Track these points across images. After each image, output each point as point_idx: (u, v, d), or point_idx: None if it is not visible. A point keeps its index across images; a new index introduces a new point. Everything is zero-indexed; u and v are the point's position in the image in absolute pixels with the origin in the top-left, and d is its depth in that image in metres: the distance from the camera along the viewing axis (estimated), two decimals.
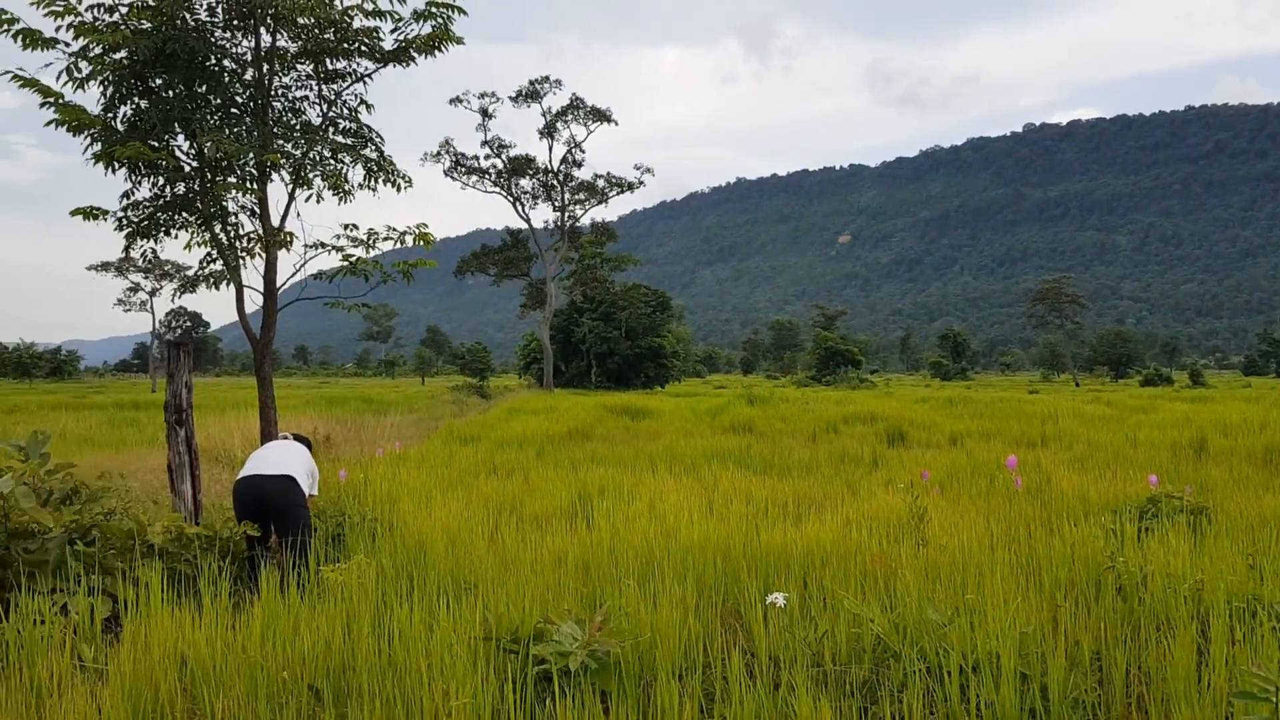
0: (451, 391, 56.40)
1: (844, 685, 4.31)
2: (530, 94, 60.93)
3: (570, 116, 61.81)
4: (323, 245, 8.54)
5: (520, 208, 64.46)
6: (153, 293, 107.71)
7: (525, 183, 63.51)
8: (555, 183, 63.70)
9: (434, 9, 8.03)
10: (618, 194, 63.79)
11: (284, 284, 8.68)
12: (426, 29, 8.15)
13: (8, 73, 7.55)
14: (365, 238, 8.54)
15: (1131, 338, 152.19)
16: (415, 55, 8.31)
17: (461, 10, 8.02)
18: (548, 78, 60.76)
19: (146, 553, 5.82)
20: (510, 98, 61.18)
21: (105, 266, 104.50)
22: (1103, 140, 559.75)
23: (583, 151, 63.87)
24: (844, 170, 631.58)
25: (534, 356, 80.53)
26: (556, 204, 64.40)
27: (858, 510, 8.97)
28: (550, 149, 63.61)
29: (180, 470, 7.21)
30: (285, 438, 7.15)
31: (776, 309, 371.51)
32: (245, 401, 38.25)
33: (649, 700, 3.91)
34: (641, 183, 62.65)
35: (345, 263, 8.45)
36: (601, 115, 61.84)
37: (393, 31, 8.22)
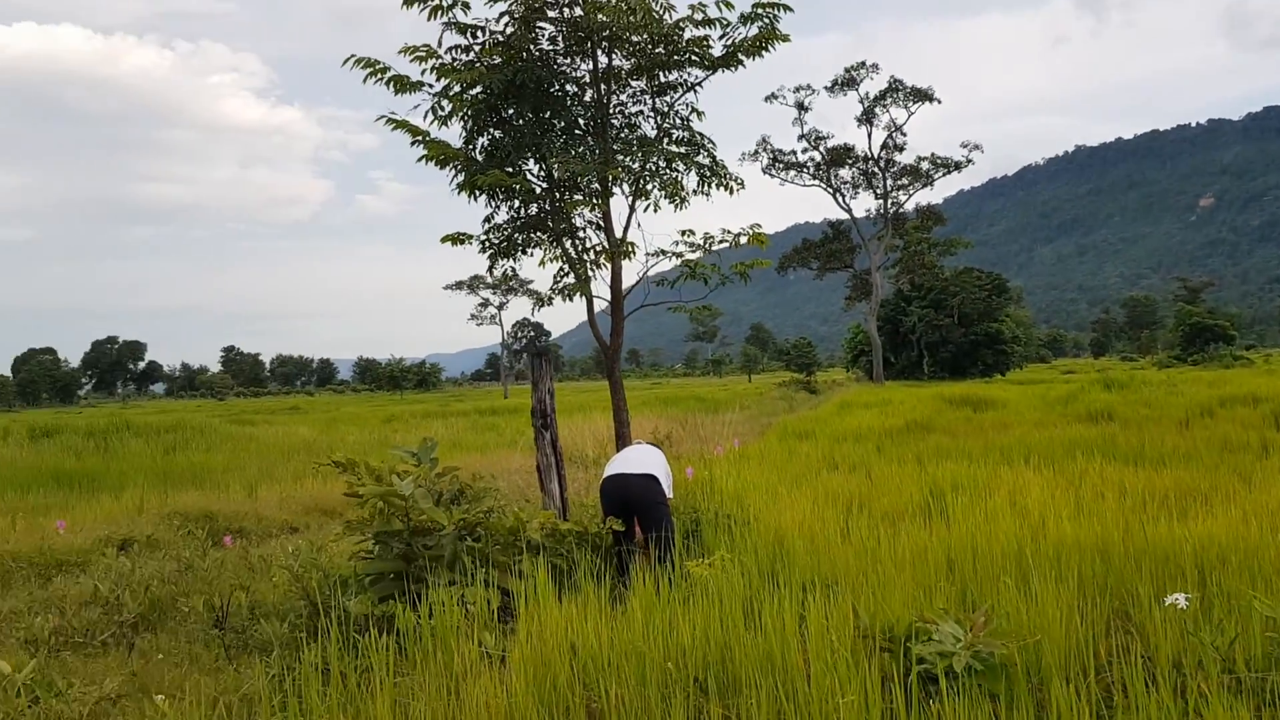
0: (779, 388, 56.76)
1: (1263, 693, 3.87)
2: (846, 82, 60.00)
3: (889, 100, 60.19)
4: (663, 252, 8.86)
5: (840, 198, 63.63)
6: (501, 307, 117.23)
7: (845, 172, 62.61)
8: (876, 170, 62.25)
9: (760, 9, 8.08)
10: (944, 175, 61.28)
11: (628, 291, 9.09)
12: (754, 30, 8.23)
13: (381, 117, 8.48)
14: (702, 242, 8.77)
15: None
16: (743, 58, 8.41)
17: (788, 7, 8.02)
18: (864, 63, 59.54)
19: (525, 548, 6.30)
20: (825, 88, 60.57)
21: (459, 285, 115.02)
22: None
23: (904, 135, 61.97)
24: (1201, 127, 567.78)
25: (861, 349, 79.15)
26: (878, 191, 62.95)
27: (1255, 503, 7.98)
28: (869, 135, 62.25)
29: (548, 470, 7.75)
30: (640, 444, 7.49)
31: (1129, 284, 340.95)
32: (587, 405, 40.66)
33: (1042, 704, 3.69)
34: (970, 161, 59.77)
35: (686, 268, 8.72)
36: (923, 95, 59.70)
37: (721, 38, 8.39)
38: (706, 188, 8.82)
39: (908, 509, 8.37)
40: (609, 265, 8.64)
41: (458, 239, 8.91)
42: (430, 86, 8.49)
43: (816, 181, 62.84)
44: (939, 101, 59.99)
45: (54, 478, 16.57)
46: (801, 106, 60.39)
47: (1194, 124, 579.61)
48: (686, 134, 8.84)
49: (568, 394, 71.00)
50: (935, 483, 9.78)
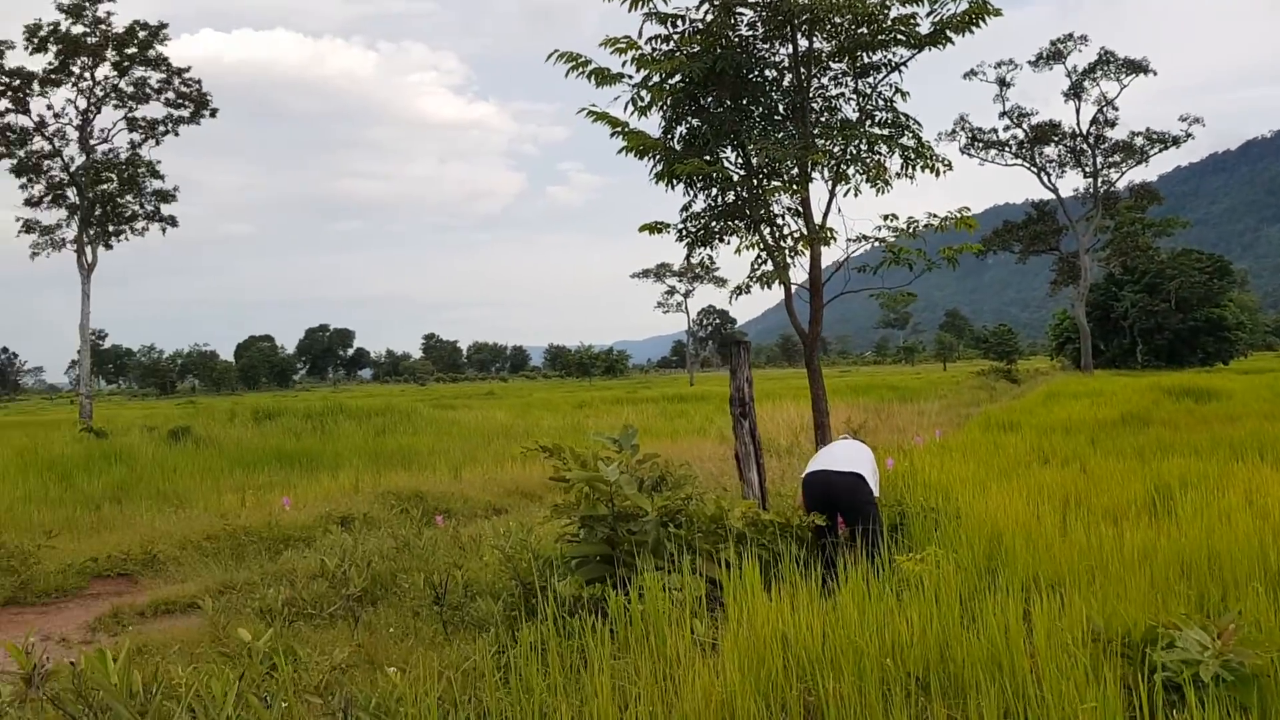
0: (977, 377, 54.57)
1: None
2: (1052, 55, 56.84)
3: (1099, 73, 56.64)
4: (865, 238, 8.64)
5: (1046, 178, 60.37)
6: (687, 294, 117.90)
7: (1050, 150, 59.31)
8: (1085, 146, 58.69)
9: None
10: (1160, 151, 57.17)
11: (828, 278, 8.93)
12: (963, 5, 7.87)
13: (583, 110, 8.63)
14: (905, 226, 8.49)
15: None
16: (951, 35, 8.05)
17: None
18: (1071, 35, 56.25)
19: (728, 536, 6.29)
20: (1029, 62, 57.58)
21: (646, 273, 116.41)
22: None
23: (1115, 109, 58.18)
24: None
25: (1067, 336, 75.05)
26: (1087, 170, 59.32)
27: None
28: (1078, 111, 58.73)
29: (747, 459, 7.72)
30: (846, 438, 7.32)
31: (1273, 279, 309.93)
32: (775, 392, 40.38)
33: None
34: (1189, 135, 55.47)
35: (889, 253, 8.47)
36: (1136, 67, 55.87)
37: (929, 15, 8.06)
38: (911, 170, 8.53)
39: (1130, 507, 7.86)
40: (807, 251, 8.49)
41: (655, 228, 8.97)
42: (630, 78, 8.58)
43: (1019, 160, 59.87)
44: (1154, 73, 56.03)
45: (276, 457, 17.82)
46: (1003, 82, 57.67)
47: None
48: (890, 115, 8.56)
49: (757, 382, 70.72)
50: (1160, 479, 9.15)
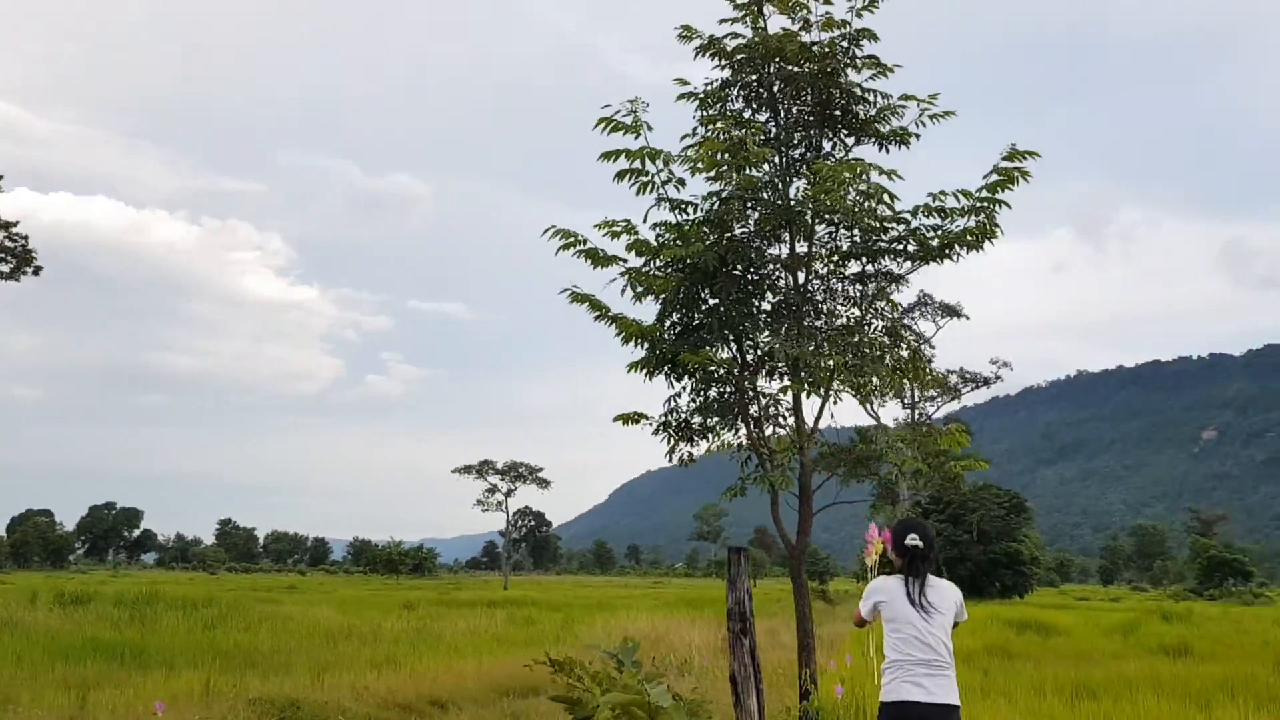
0: (790, 595, 54.61)
1: None
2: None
3: (918, 313, 61.24)
4: (855, 443, 8.35)
5: (870, 406, 63.60)
6: (508, 494, 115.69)
7: (875, 381, 62.78)
8: (906, 380, 62.48)
9: (982, 202, 7.81)
10: (972, 390, 61.55)
11: (820, 484, 8.54)
12: (971, 222, 7.96)
13: (565, 290, 8.18)
14: (912, 434, 8.26)
15: None
16: (955, 252, 8.11)
17: (1006, 204, 7.77)
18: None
19: None
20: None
21: (468, 469, 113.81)
22: None
23: (932, 347, 62.68)
24: (1203, 360, 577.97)
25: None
26: (906, 401, 62.99)
27: None
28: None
29: (746, 684, 6.94)
30: (939, 662, 5.75)
31: (1133, 512, 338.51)
32: (607, 602, 39.15)
33: None
34: (999, 377, 60.15)
35: (892, 466, 8.16)
36: (952, 311, 60.72)
37: (933, 230, 8.11)
38: (898, 381, 8.39)
39: None
40: (799, 457, 8.10)
41: (632, 418, 8.42)
42: (624, 262, 8.23)
43: (844, 387, 62.92)
44: (967, 318, 60.99)
45: (95, 648, 15.50)
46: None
47: (1195, 356, 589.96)
48: (889, 323, 8.47)
49: (574, 589, 68.89)
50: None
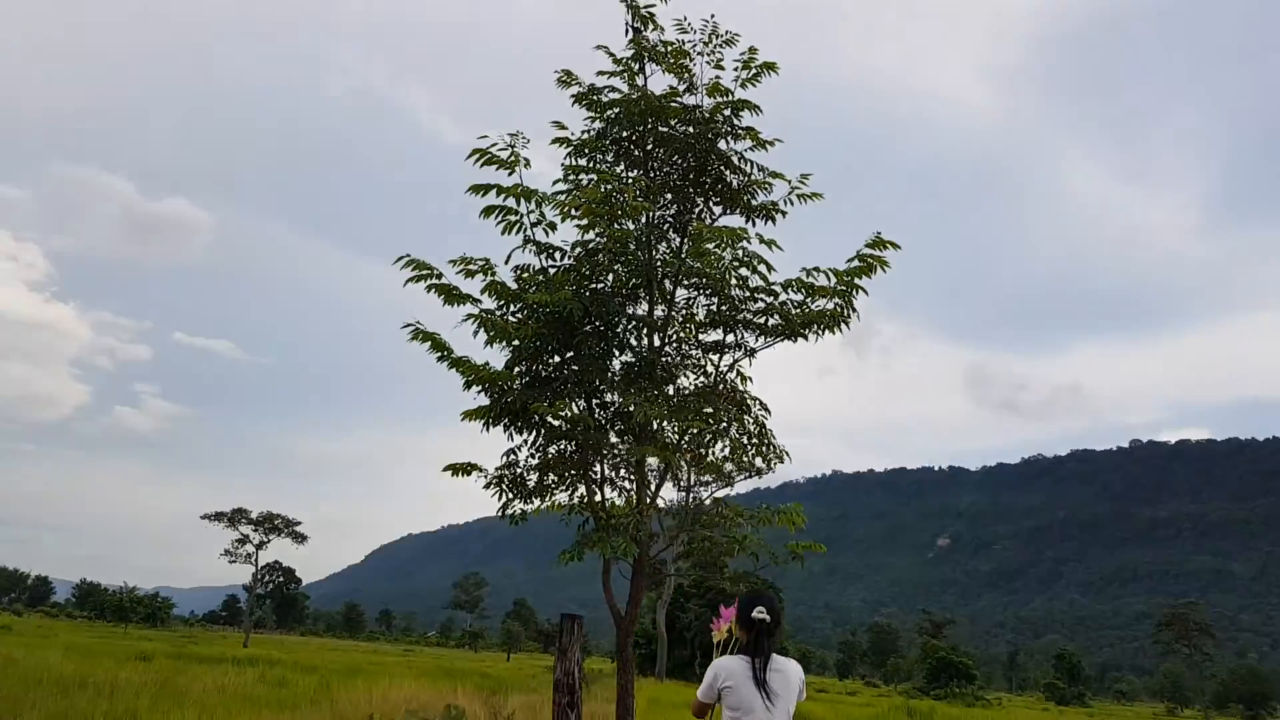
0: (549, 671, 54.03)
1: None
2: None
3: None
4: (697, 523, 8.13)
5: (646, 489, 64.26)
6: (260, 545, 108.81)
7: (652, 460, 63.64)
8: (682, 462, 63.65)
9: (842, 287, 7.86)
10: (745, 478, 63.30)
11: (658, 553, 8.25)
12: (831, 305, 8.00)
13: (408, 325, 7.64)
14: (755, 512, 8.11)
15: (1264, 675, 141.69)
16: (810, 333, 8.11)
17: (864, 290, 7.87)
18: None
19: None
20: None
21: (219, 516, 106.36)
22: (1213, 462, 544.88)
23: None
24: (943, 471, 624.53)
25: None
26: (680, 484, 64.07)
27: None
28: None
29: None
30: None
31: (871, 610, 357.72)
32: (365, 667, 37.13)
33: None
34: (771, 469, 62.18)
35: (735, 541, 7.97)
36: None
37: (797, 307, 8.11)
38: (741, 457, 8.28)
39: None
40: (640, 522, 7.77)
41: (463, 469, 7.88)
42: (478, 301, 7.77)
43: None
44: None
45: None
46: None
47: (937, 468, 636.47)
48: (737, 395, 8.35)
49: (323, 652, 65.23)
50: None
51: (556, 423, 7.82)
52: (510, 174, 7.63)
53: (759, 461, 8.13)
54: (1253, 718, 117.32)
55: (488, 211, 7.73)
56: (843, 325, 7.84)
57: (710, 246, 7.46)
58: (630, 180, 7.99)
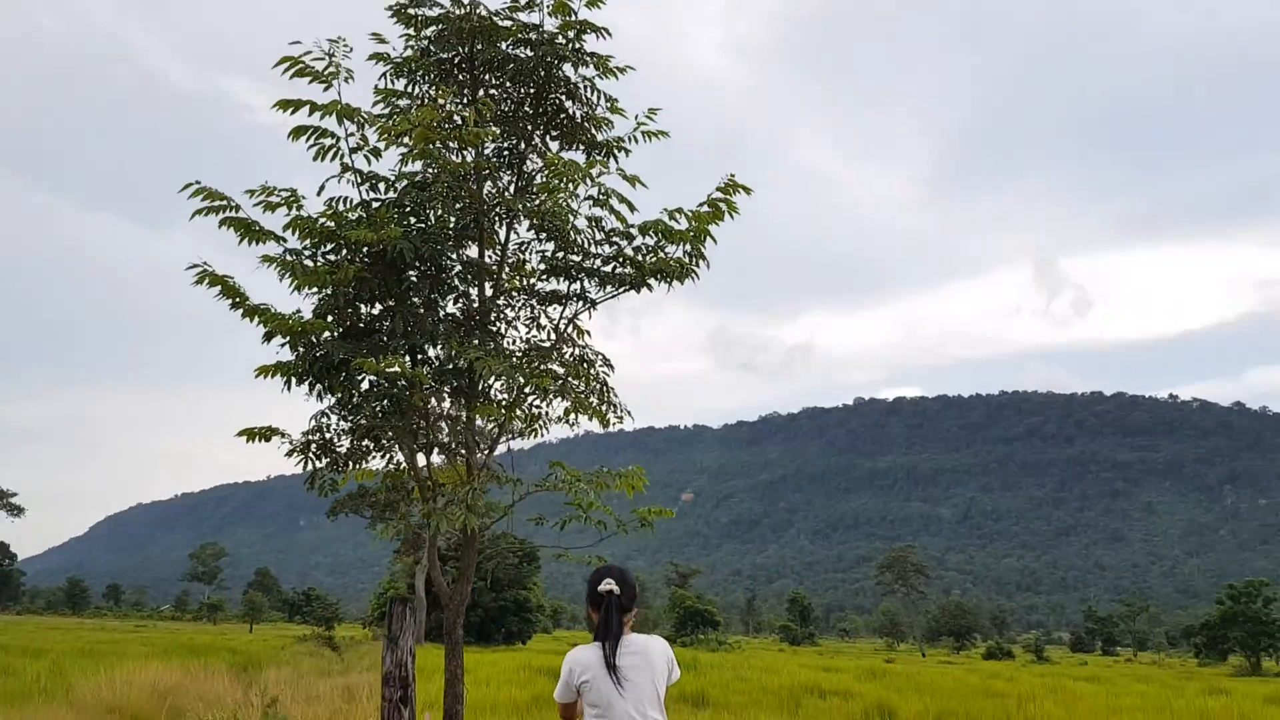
0: (299, 642, 51.85)
1: None
2: None
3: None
4: (539, 486, 7.38)
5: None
6: None
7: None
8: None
9: (692, 230, 7.17)
10: (509, 439, 62.62)
11: (489, 525, 7.45)
12: (680, 253, 7.35)
13: (193, 266, 6.43)
14: (594, 476, 7.42)
15: (971, 610, 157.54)
16: (652, 282, 7.44)
17: (713, 238, 7.23)
18: None
19: None
20: None
21: None
22: (926, 417, 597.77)
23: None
24: (688, 430, 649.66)
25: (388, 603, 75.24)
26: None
27: None
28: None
29: None
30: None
31: (619, 563, 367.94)
32: (102, 648, 33.85)
33: None
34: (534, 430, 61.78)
35: (579, 508, 7.25)
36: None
37: (649, 253, 7.37)
38: (575, 417, 7.60)
39: None
40: (476, 490, 6.92)
41: (262, 434, 6.75)
42: (283, 241, 6.61)
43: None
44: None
45: None
46: None
47: (682, 426, 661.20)
48: (577, 350, 7.60)
49: (42, 632, 59.28)
50: None
51: (376, 380, 6.86)
52: (327, 89, 6.52)
53: (596, 423, 7.49)
54: (960, 648, 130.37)
55: (297, 133, 6.55)
56: (693, 275, 7.30)
57: (559, 183, 6.68)
58: (469, 103, 7.03)
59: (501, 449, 7.78)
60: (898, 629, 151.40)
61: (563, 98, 7.36)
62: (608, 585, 4.45)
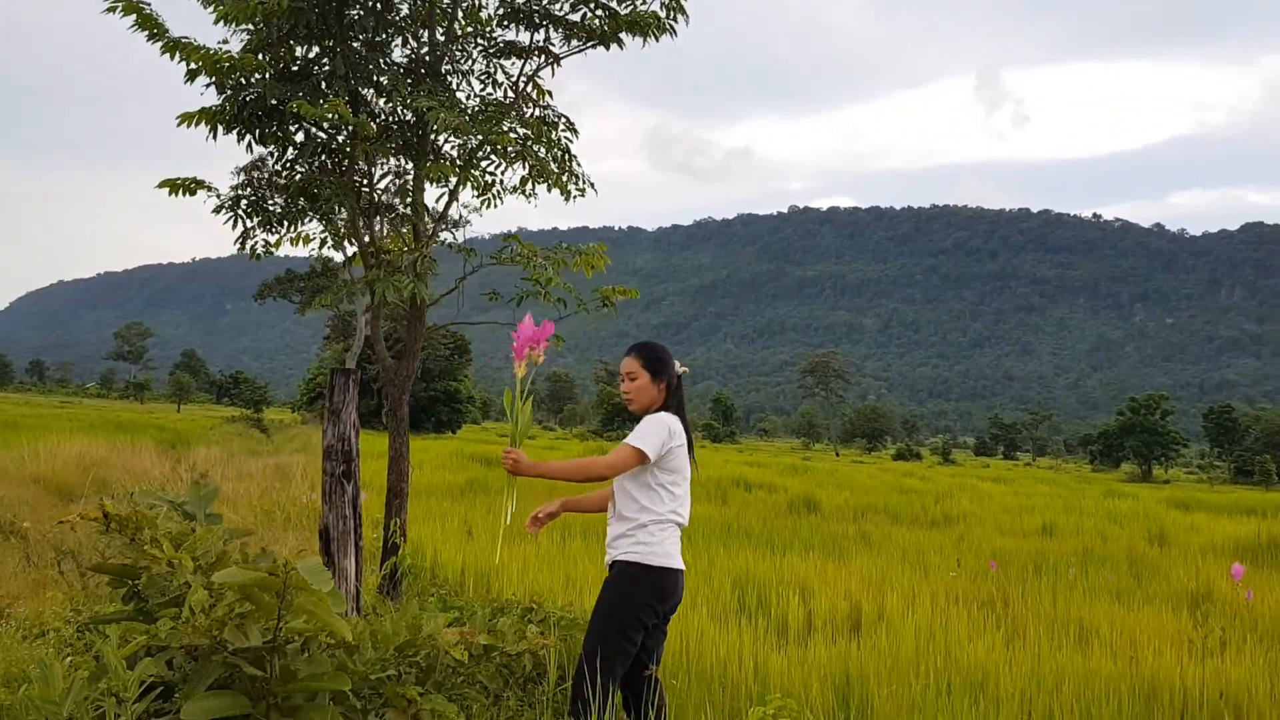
0: (227, 423, 51.88)
1: None
2: None
3: None
4: (494, 259, 6.83)
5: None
6: None
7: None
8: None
9: None
10: (461, 209, 61.21)
11: (440, 296, 6.94)
12: (655, 4, 6.51)
13: None
14: (553, 252, 6.90)
15: (884, 414, 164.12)
16: (630, 36, 6.66)
17: None
18: None
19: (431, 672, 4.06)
20: None
21: None
22: (858, 228, 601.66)
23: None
24: (622, 231, 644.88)
25: (319, 391, 75.46)
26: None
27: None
28: None
29: (343, 541, 5.35)
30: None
31: (550, 360, 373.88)
32: (24, 421, 33.24)
33: None
34: (468, 222, 60.39)
35: (536, 284, 6.75)
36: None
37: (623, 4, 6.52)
38: (533, 186, 6.99)
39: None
40: (424, 259, 6.37)
41: (185, 186, 6.05)
42: None
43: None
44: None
45: None
46: None
47: (617, 227, 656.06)
48: (539, 111, 6.88)
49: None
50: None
51: (313, 130, 6.15)
52: None
53: (557, 191, 6.91)
54: (871, 449, 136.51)
55: None
56: (670, 30, 6.55)
57: None
58: None
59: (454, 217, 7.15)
60: (814, 430, 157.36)
61: None
62: (682, 368, 4.40)
